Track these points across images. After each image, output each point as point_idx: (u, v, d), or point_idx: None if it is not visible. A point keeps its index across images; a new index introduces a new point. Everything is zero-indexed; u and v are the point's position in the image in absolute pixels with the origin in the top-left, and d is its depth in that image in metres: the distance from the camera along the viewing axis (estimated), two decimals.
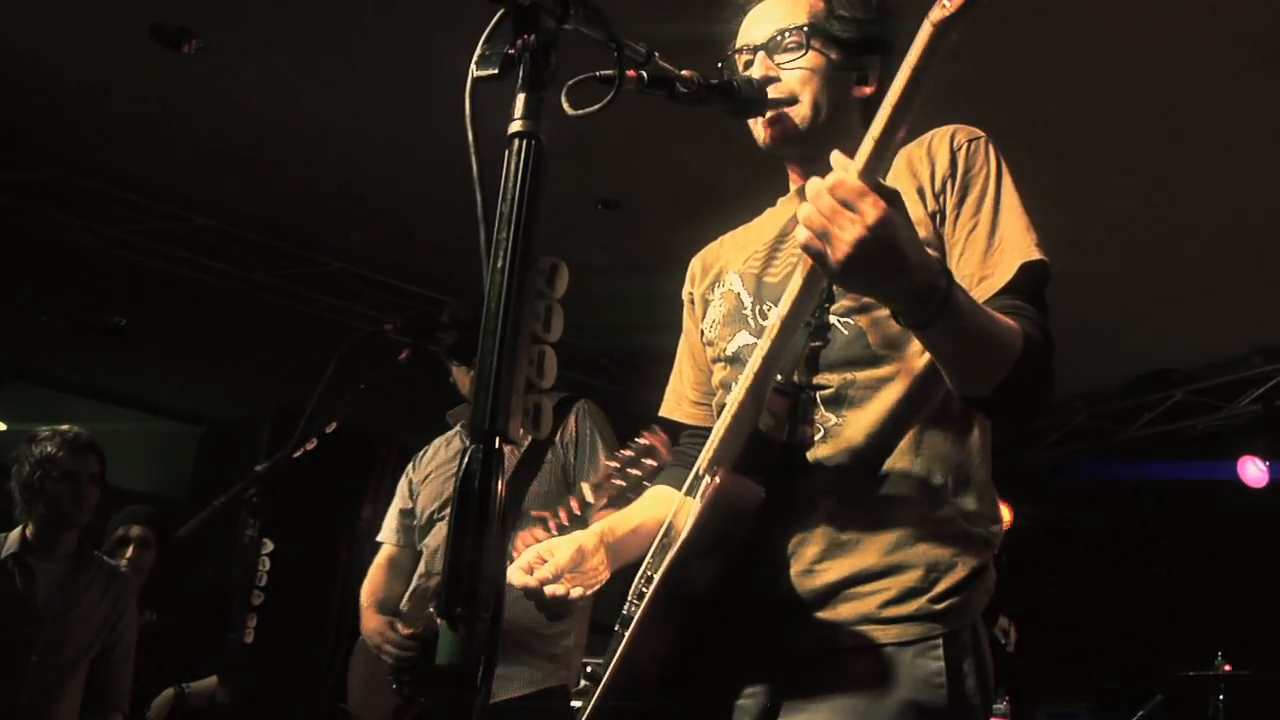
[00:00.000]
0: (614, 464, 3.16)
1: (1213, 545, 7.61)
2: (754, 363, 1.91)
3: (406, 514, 4.32)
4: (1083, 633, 8.25)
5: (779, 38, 2.17)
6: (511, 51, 1.35)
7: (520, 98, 1.33)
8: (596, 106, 1.63)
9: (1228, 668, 6.14)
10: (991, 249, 1.96)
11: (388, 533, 4.33)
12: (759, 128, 2.18)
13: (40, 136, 6.32)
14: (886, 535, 1.95)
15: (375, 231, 7.10)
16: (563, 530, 3.24)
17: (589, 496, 3.19)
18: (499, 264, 1.23)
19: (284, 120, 5.98)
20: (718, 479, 1.91)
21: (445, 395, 4.27)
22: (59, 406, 8.93)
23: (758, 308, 2.16)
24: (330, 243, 7.25)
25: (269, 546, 3.61)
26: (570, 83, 1.69)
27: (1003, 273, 1.93)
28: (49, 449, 4.36)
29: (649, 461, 3.03)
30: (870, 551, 1.95)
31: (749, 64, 2.20)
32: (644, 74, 1.91)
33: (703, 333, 2.32)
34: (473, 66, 1.36)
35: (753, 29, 2.23)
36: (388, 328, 4.02)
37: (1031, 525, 8.33)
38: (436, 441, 4.44)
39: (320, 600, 6.04)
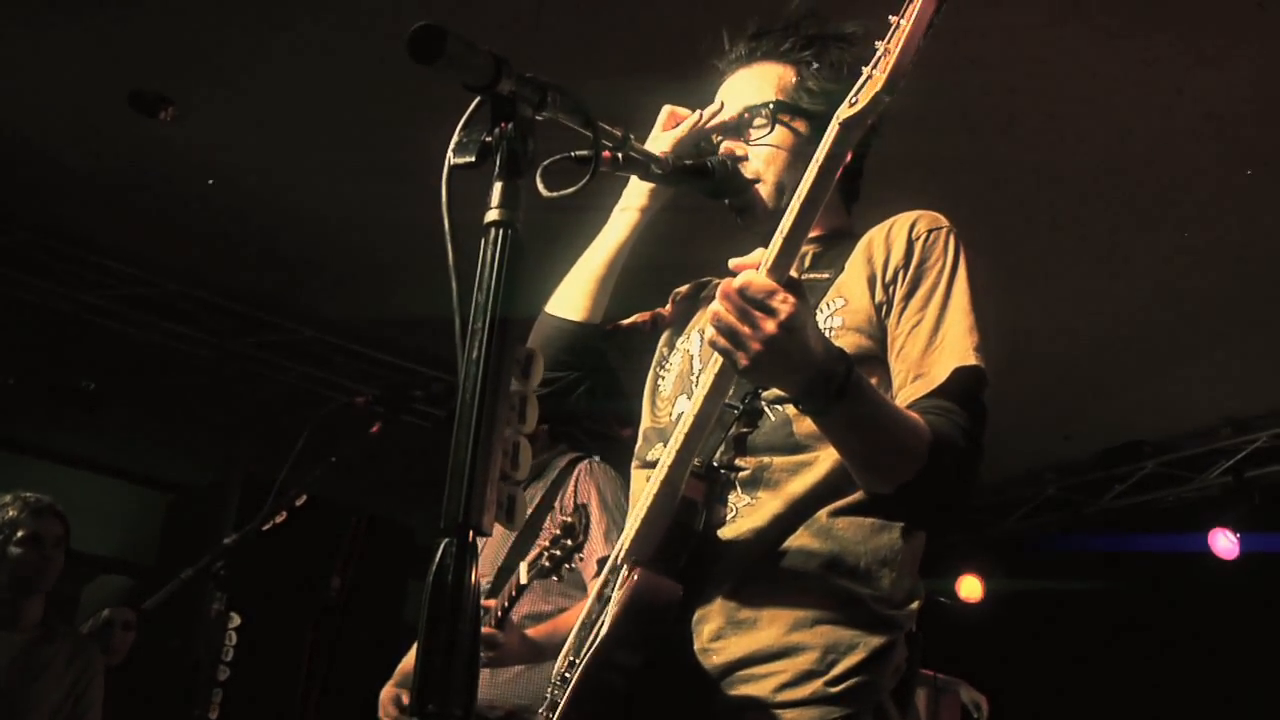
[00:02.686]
0: (543, 541, 3.13)
1: (1184, 617, 7.59)
2: (665, 459, 1.90)
3: None
4: (1055, 705, 8.19)
5: (746, 116, 2.18)
6: (489, 139, 1.35)
7: (497, 186, 1.33)
8: (571, 189, 1.63)
9: None
10: (930, 347, 1.96)
11: None
12: (730, 208, 2.19)
13: (12, 199, 6.29)
14: (785, 615, 1.91)
15: (348, 300, 7.08)
16: (504, 613, 3.22)
17: (523, 577, 3.15)
18: (474, 354, 1.22)
19: (259, 188, 5.98)
20: (634, 576, 1.89)
21: (418, 466, 4.24)
22: (26, 470, 8.81)
23: (676, 396, 2.18)
24: (302, 310, 7.22)
25: (236, 621, 3.56)
26: (545, 163, 1.69)
27: (936, 374, 1.93)
28: (10, 513, 4.30)
29: (577, 538, 3.02)
30: (767, 632, 1.91)
31: (719, 141, 2.21)
32: (618, 155, 1.92)
33: (657, 379, 2.30)
34: (449, 154, 1.36)
35: (738, 96, 2.23)
36: (358, 401, 4.00)
37: (1002, 597, 8.31)
38: None
39: (287, 676, 5.93)
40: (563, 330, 2.29)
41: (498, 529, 3.91)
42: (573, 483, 3.81)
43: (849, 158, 2.19)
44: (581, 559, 3.46)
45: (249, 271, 6.86)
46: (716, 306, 1.68)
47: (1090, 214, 5.50)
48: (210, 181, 5.89)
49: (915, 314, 1.99)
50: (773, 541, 1.95)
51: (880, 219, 2.16)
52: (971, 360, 1.93)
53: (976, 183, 4.93)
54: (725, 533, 1.96)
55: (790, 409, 1.98)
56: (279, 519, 3.72)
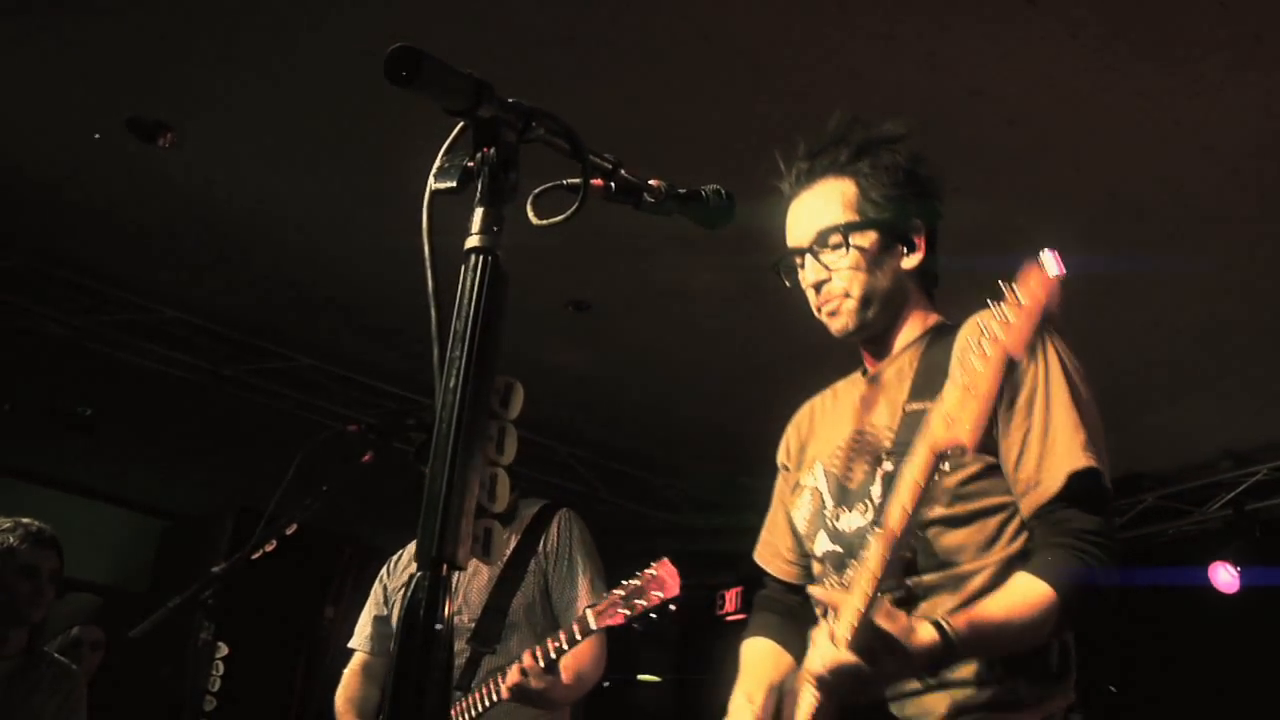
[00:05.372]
0: (620, 593, 3.21)
1: (1185, 651, 7.54)
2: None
3: (382, 621, 4.22)
4: None
5: (820, 240, 2.32)
6: (471, 164, 1.33)
7: (478, 212, 1.31)
8: (561, 217, 1.61)
9: None
10: (1045, 453, 2.06)
11: (360, 639, 4.22)
12: (823, 317, 2.37)
13: (10, 224, 6.28)
14: (939, 709, 2.06)
15: (346, 329, 7.07)
16: (559, 653, 3.32)
17: (592, 623, 3.23)
18: (451, 383, 1.19)
19: (257, 215, 5.97)
20: None
21: (411, 496, 4.20)
22: (20, 495, 8.77)
23: (837, 512, 2.28)
24: (300, 338, 7.21)
25: (224, 650, 3.52)
26: (536, 191, 1.68)
27: (1052, 480, 2.04)
28: (10, 540, 4.25)
29: (655, 594, 3.08)
30: None
31: (801, 264, 2.36)
32: (610, 184, 1.90)
33: (792, 521, 2.48)
34: (430, 179, 1.34)
35: (796, 229, 2.39)
36: (351, 428, 3.96)
37: None
38: (411, 546, 4.36)
39: (277, 705, 5.88)
40: None
41: (484, 568, 3.94)
42: (555, 528, 3.86)
43: (920, 251, 2.36)
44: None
45: (247, 298, 6.85)
46: (820, 682, 1.94)
47: (1088, 247, 5.48)
48: (208, 207, 5.88)
49: (1023, 422, 2.10)
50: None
51: None
52: (1082, 462, 2.04)
53: (971, 214, 4.90)
54: None
55: (928, 533, 2.12)
56: (269, 547, 3.68)
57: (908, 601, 2.12)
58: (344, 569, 5.67)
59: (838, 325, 2.34)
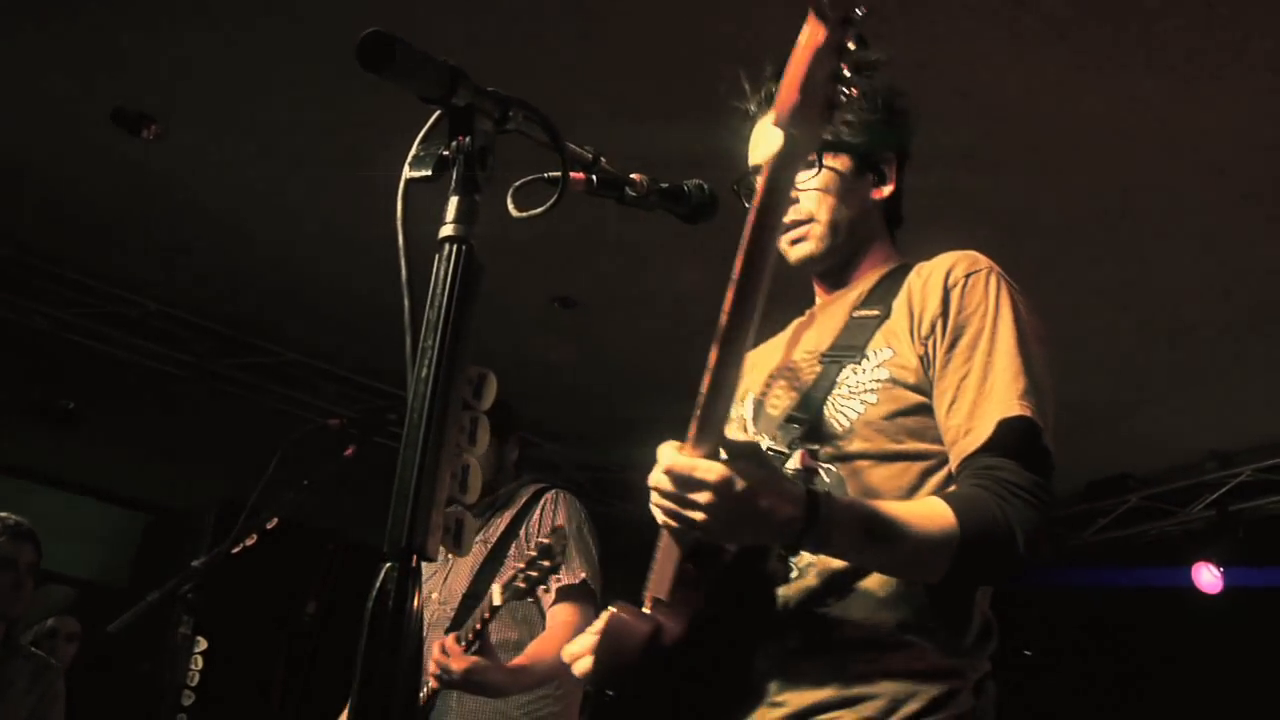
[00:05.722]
0: (518, 563, 3.12)
1: (1167, 651, 7.56)
2: None
3: None
4: None
5: None
6: (446, 153, 1.32)
7: (453, 201, 1.29)
8: (540, 209, 1.60)
9: None
10: (980, 399, 1.90)
11: None
12: (784, 245, 2.17)
13: None
14: (846, 668, 1.88)
15: (331, 323, 7.05)
16: (479, 635, 3.19)
17: (497, 598, 3.12)
18: (423, 372, 1.18)
19: (242, 209, 5.95)
20: (610, 610, 1.88)
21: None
22: (1, 488, 8.72)
23: (756, 436, 2.13)
24: (285, 333, 7.18)
25: (202, 645, 3.50)
26: (516, 184, 1.67)
27: (983, 427, 1.87)
28: None
29: (555, 560, 3.02)
30: (827, 684, 1.88)
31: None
32: (592, 177, 1.89)
33: None
34: (406, 167, 1.32)
35: (761, 146, 2.21)
36: (332, 422, 3.95)
37: None
38: None
39: (256, 700, 5.86)
40: None
41: (464, 560, 3.88)
42: (539, 510, 3.78)
43: (891, 185, 2.22)
44: (558, 580, 3.43)
45: (230, 292, 6.82)
46: (652, 495, 1.72)
47: (1074, 246, 5.49)
48: (192, 200, 5.85)
49: (961, 365, 1.94)
50: (832, 590, 1.92)
51: None
52: (1015, 410, 1.86)
53: (957, 213, 4.90)
54: (787, 590, 1.93)
55: (843, 468, 1.95)
56: (249, 541, 3.66)
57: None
58: (326, 564, 5.64)
59: (800, 252, 2.17)
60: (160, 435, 8.18)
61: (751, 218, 1.67)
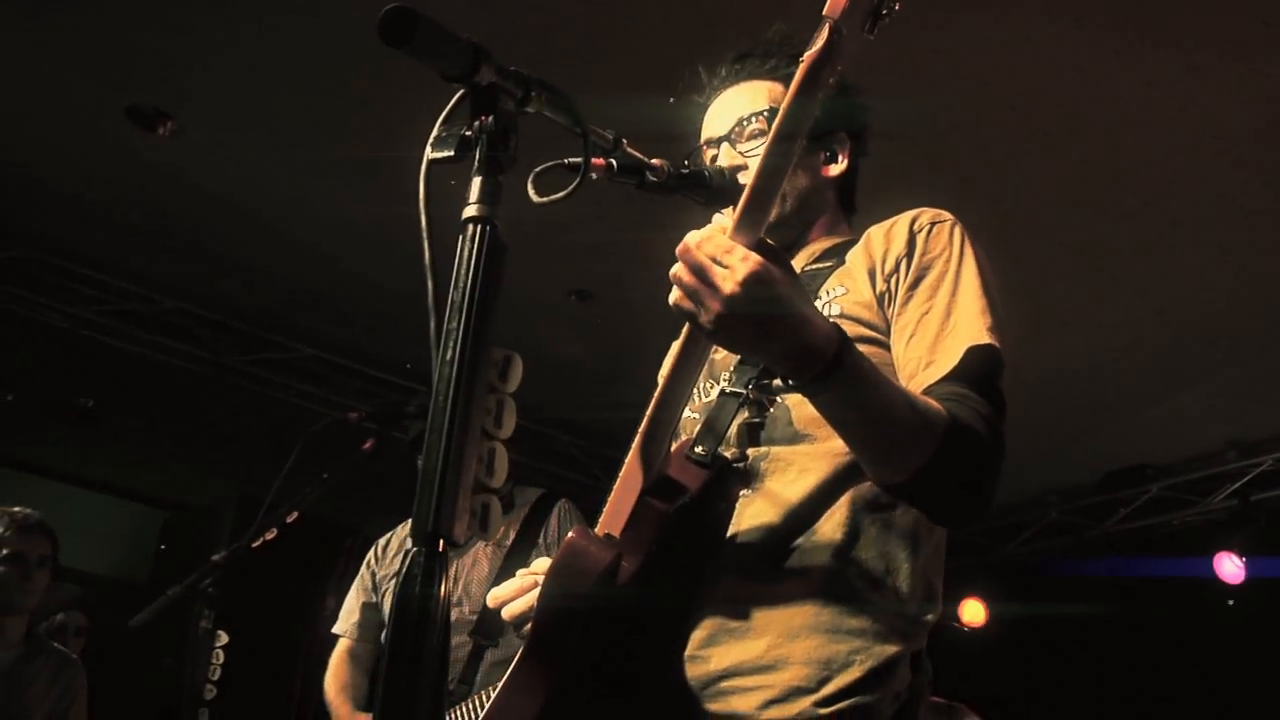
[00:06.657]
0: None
1: (1189, 642, 7.52)
2: (642, 427, 1.80)
3: (371, 608, 4.19)
4: None
5: (741, 126, 2.16)
6: (468, 133, 1.30)
7: (476, 181, 1.27)
8: (561, 194, 1.58)
9: None
10: (943, 333, 1.86)
11: (347, 625, 4.20)
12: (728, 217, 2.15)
13: (9, 215, 6.26)
14: (779, 622, 1.80)
15: (347, 318, 7.04)
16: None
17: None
18: (448, 355, 1.16)
19: (257, 205, 5.94)
20: (569, 536, 1.80)
21: (412, 485, 4.18)
22: (21, 487, 8.76)
23: (703, 385, 2.10)
24: (301, 328, 7.18)
25: (223, 639, 3.49)
26: (537, 170, 1.65)
27: (948, 358, 1.82)
28: None
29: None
30: (758, 641, 1.80)
31: (715, 157, 2.19)
32: (613, 162, 1.87)
33: None
34: (428, 148, 1.31)
35: (715, 121, 2.23)
36: (351, 416, 3.95)
37: (1005, 622, 8.23)
38: (400, 530, 4.33)
39: (277, 695, 5.85)
40: None
41: (484, 559, 3.88)
42: (554, 519, 3.83)
43: (843, 165, 2.22)
44: None
45: (247, 289, 6.82)
46: (677, 265, 1.57)
47: (1093, 235, 5.45)
48: (208, 197, 5.85)
49: (924, 302, 1.91)
50: (773, 540, 1.85)
51: None
52: (985, 339, 1.83)
53: (976, 202, 4.88)
54: (730, 534, 1.86)
55: (792, 396, 1.88)
56: (269, 536, 3.67)
57: (748, 474, 1.90)
58: (346, 558, 5.64)
59: None
60: (178, 432, 8.21)
61: (787, 105, 1.63)
